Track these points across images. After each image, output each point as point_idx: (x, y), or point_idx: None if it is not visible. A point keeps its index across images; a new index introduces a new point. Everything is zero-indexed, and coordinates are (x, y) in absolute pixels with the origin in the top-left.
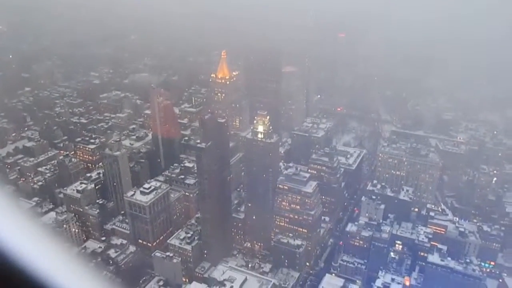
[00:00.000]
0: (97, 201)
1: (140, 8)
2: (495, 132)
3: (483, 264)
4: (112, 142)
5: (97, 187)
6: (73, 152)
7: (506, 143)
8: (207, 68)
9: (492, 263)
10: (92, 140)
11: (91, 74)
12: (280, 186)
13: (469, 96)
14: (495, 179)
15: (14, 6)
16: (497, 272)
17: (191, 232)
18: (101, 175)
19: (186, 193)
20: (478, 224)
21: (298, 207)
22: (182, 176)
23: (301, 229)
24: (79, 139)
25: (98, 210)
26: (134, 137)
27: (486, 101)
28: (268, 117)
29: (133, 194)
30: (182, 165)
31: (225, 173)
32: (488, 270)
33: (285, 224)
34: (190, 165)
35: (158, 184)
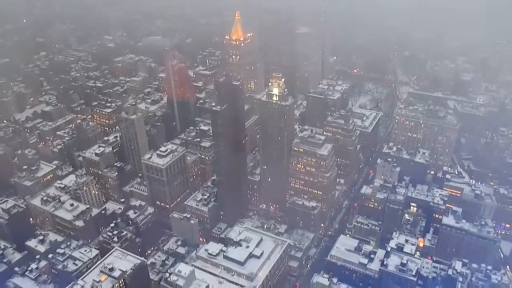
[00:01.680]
0: (115, 164)
1: None
2: None
3: (498, 226)
4: (128, 105)
5: (114, 150)
6: (90, 116)
7: None
8: (221, 30)
9: (508, 225)
10: (108, 104)
11: (104, 37)
12: (295, 148)
13: (488, 56)
14: None
15: None
16: None
17: (208, 194)
18: (118, 138)
19: (202, 156)
20: (494, 187)
21: (313, 169)
22: (198, 139)
23: (316, 191)
24: (95, 103)
25: (116, 173)
26: (149, 100)
27: (506, 61)
28: (283, 79)
29: (150, 157)
30: (198, 128)
31: (240, 136)
32: (503, 232)
33: (300, 186)
34: (206, 128)
35: (174, 147)
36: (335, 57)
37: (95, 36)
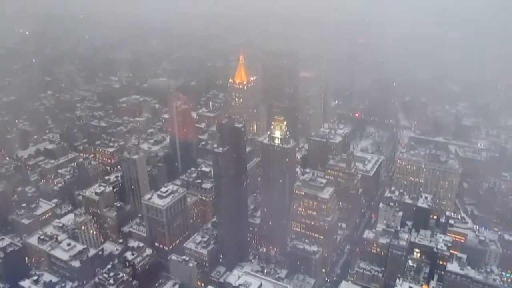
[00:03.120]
0: (115, 203)
1: (159, 13)
2: None
3: (504, 273)
4: (131, 145)
5: (115, 190)
6: (92, 155)
7: None
8: (225, 73)
9: None
10: (111, 143)
11: (111, 78)
12: (296, 191)
13: (488, 101)
14: None
15: (38, 12)
16: None
17: (207, 236)
18: (119, 178)
19: (203, 197)
20: (499, 233)
21: (314, 213)
22: (199, 180)
23: (317, 235)
24: (98, 142)
25: (115, 213)
26: (152, 140)
27: (505, 106)
28: (285, 122)
29: (151, 198)
30: (199, 169)
31: (242, 178)
32: (509, 280)
33: (301, 230)
34: (207, 169)
35: (175, 188)
36: (336, 101)
37: (102, 76)
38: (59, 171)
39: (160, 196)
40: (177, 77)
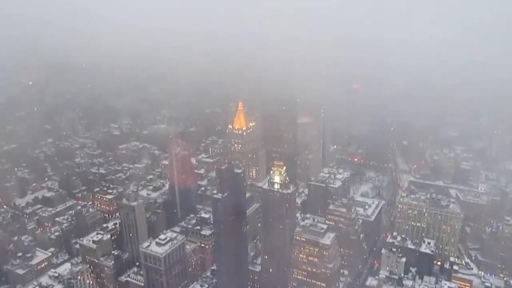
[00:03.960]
0: (113, 252)
1: (159, 60)
2: None
3: None
4: (130, 192)
5: (113, 238)
6: (91, 202)
7: None
8: (224, 119)
9: None
10: (110, 190)
11: (111, 125)
12: (297, 237)
13: (485, 145)
14: None
15: (40, 61)
16: None
17: (206, 285)
18: (117, 225)
19: (202, 245)
20: (505, 279)
21: (316, 259)
22: (198, 227)
23: (319, 283)
24: (97, 189)
25: (113, 261)
26: (151, 187)
27: (503, 150)
28: (284, 167)
29: (149, 245)
30: (199, 215)
31: (242, 224)
32: None
33: (303, 278)
34: (207, 215)
35: (174, 235)
36: (335, 146)
37: (102, 124)
38: (57, 219)
39: (158, 244)
40: (177, 124)
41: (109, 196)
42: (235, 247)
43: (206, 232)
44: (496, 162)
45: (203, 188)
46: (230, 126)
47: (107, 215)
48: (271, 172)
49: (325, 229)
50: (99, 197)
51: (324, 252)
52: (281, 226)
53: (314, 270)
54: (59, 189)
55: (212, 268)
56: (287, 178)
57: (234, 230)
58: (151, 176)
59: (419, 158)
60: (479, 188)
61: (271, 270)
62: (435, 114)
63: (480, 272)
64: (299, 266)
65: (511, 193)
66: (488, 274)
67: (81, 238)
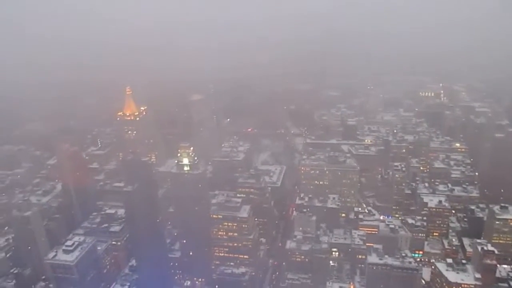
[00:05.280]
0: (11, 270)
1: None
2: (395, 131)
3: (413, 254)
4: (20, 202)
5: (8, 255)
6: None
7: (407, 139)
8: (107, 107)
9: (421, 252)
10: None
11: None
12: (214, 216)
13: (363, 100)
14: (405, 173)
15: None
16: (426, 259)
17: (128, 283)
18: (11, 240)
19: (113, 242)
20: (400, 218)
21: (235, 234)
22: (106, 225)
23: (242, 256)
24: None
25: (14, 281)
26: (40, 191)
27: (378, 102)
28: (191, 148)
29: (55, 255)
30: (103, 212)
31: (156, 214)
32: (418, 259)
33: (225, 254)
34: (112, 211)
35: (81, 238)
36: (228, 119)
37: None
38: None
39: (66, 251)
40: (53, 119)
41: None
42: (152, 238)
43: (116, 228)
44: (374, 114)
45: (101, 183)
46: (120, 113)
47: None
48: (178, 154)
49: (240, 203)
50: None
51: (243, 225)
52: (196, 208)
53: (235, 244)
54: None
55: (130, 264)
56: (196, 158)
57: (149, 221)
58: (37, 180)
59: (308, 120)
60: (366, 141)
61: (191, 253)
62: (314, 77)
63: (382, 216)
64: (220, 243)
65: (392, 141)
66: (386, 216)
67: None
